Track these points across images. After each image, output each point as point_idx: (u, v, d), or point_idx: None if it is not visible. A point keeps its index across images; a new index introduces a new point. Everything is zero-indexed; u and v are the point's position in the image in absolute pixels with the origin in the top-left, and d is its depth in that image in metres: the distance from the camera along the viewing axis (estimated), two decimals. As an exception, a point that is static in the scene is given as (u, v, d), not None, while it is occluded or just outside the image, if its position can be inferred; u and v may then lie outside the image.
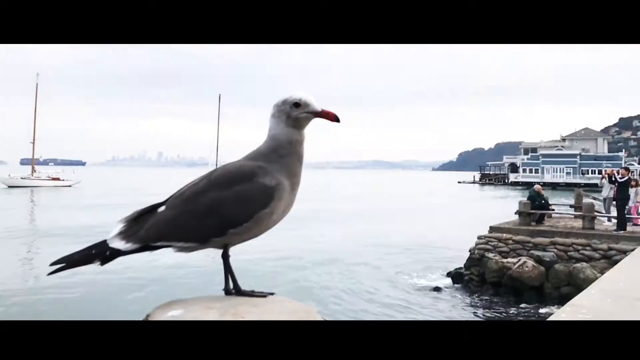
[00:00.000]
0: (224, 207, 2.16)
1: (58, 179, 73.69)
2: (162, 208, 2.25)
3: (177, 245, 2.18)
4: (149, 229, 2.17)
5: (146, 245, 2.16)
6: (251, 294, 2.25)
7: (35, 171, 72.95)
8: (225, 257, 2.26)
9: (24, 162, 75.86)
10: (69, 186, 72.87)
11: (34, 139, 74.66)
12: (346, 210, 43.93)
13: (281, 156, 2.25)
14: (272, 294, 2.26)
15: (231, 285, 2.27)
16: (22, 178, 70.63)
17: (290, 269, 19.37)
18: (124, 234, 2.18)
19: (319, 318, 2.02)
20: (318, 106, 2.27)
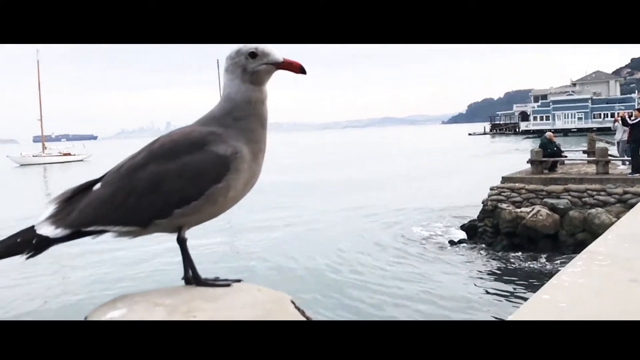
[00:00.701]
0: (168, 183, 1.79)
1: (69, 154, 74.20)
2: (98, 185, 1.89)
3: (113, 230, 1.82)
4: (81, 210, 1.82)
5: (79, 231, 1.80)
6: (213, 283, 1.91)
7: (46, 148, 73.48)
8: (181, 241, 1.89)
9: (36, 139, 76.81)
10: (81, 160, 73.35)
11: (41, 116, 75.05)
12: (351, 171, 43.86)
13: (238, 119, 1.88)
14: (238, 280, 1.94)
15: (190, 274, 1.93)
16: (33, 156, 71.22)
17: (303, 237, 19.47)
18: (54, 218, 1.83)
19: (291, 309, 1.78)
20: (279, 55, 1.89)
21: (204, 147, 1.83)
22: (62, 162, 69.45)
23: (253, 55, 1.88)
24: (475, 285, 13.37)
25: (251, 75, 1.89)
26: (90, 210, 1.81)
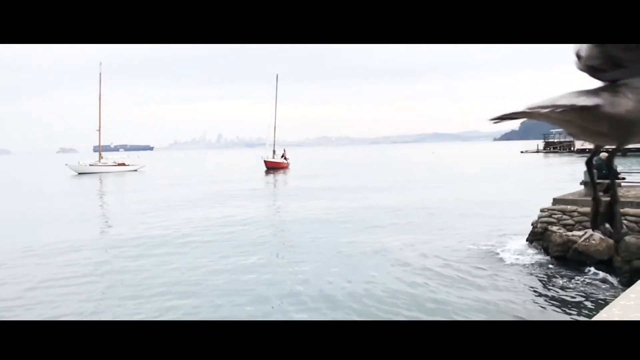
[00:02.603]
0: None
1: (123, 164, 76.78)
2: None
3: None
4: None
5: None
6: None
7: (102, 157, 76.29)
8: None
9: (96, 149, 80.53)
10: (135, 170, 75.80)
11: (99, 127, 78.11)
12: (387, 182, 43.43)
13: None
14: None
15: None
16: (90, 165, 74.04)
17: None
18: None
19: None
20: None
21: None
22: (117, 172, 72.00)
23: None
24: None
25: None
26: None
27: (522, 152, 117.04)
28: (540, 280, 14.01)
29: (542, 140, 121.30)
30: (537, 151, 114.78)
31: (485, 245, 17.98)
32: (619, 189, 18.17)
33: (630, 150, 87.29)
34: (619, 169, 19.96)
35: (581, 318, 11.31)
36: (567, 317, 11.46)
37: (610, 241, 14.68)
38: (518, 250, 16.96)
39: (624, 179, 19.19)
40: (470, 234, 20.16)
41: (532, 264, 15.43)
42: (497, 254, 16.82)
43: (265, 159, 70.50)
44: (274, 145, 74.77)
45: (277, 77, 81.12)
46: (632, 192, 17.67)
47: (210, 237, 20.63)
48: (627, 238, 14.58)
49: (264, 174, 63.65)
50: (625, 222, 14.98)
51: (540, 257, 15.92)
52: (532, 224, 17.14)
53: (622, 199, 16.15)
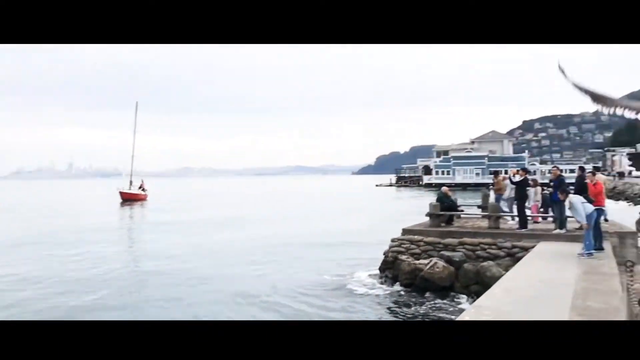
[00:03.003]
0: None
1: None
2: None
3: None
4: None
5: None
6: None
7: None
8: None
9: None
10: (-36, 202, 67.36)
11: None
12: (250, 214, 43.61)
13: None
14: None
15: None
16: None
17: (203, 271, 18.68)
18: None
19: None
20: None
21: None
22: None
23: None
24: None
25: None
26: None
27: (377, 185, 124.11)
28: (390, 309, 14.67)
29: (394, 175, 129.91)
30: (390, 185, 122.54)
31: (338, 276, 18.50)
32: (458, 220, 19.89)
33: (469, 185, 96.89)
34: (459, 202, 21.92)
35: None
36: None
37: (452, 268, 15.95)
38: (370, 280, 17.72)
39: (462, 211, 21.05)
40: (324, 265, 20.70)
41: (384, 294, 16.13)
42: (350, 284, 17.35)
43: (121, 190, 66.81)
44: (132, 175, 71.28)
45: (136, 104, 78.16)
46: (469, 223, 19.45)
47: (53, 274, 18.84)
48: (465, 265, 15.93)
49: (119, 206, 60.16)
50: (463, 250, 16.39)
51: (391, 287, 16.73)
52: (384, 254, 18.01)
53: (461, 230, 17.70)
